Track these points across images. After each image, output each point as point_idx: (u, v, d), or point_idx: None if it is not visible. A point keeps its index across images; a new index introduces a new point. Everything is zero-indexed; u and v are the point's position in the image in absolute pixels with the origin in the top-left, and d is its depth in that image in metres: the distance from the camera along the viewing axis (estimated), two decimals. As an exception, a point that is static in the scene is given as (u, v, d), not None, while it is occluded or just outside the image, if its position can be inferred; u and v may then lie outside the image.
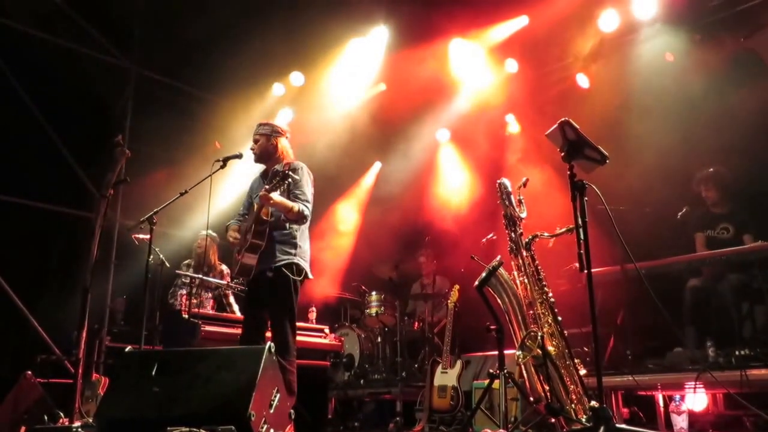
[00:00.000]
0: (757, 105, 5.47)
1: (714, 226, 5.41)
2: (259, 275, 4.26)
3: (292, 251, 4.30)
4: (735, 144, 5.53)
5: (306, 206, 4.27)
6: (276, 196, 4.10)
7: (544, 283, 3.90)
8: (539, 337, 3.68)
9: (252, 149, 4.52)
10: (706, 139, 5.61)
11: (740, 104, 5.53)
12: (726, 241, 5.26)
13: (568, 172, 3.35)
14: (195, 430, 2.87)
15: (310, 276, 4.42)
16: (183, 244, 7.03)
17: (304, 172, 4.42)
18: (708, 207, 5.51)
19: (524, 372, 3.84)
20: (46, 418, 4.42)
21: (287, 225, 4.31)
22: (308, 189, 4.38)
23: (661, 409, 4.95)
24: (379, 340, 7.36)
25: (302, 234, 4.40)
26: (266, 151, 4.47)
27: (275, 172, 4.36)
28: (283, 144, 4.51)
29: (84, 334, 4.33)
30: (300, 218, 4.25)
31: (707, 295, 5.10)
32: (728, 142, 5.54)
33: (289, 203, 4.19)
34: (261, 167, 4.64)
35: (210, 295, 6.22)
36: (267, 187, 4.10)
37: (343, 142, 7.82)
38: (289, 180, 4.09)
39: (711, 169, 5.47)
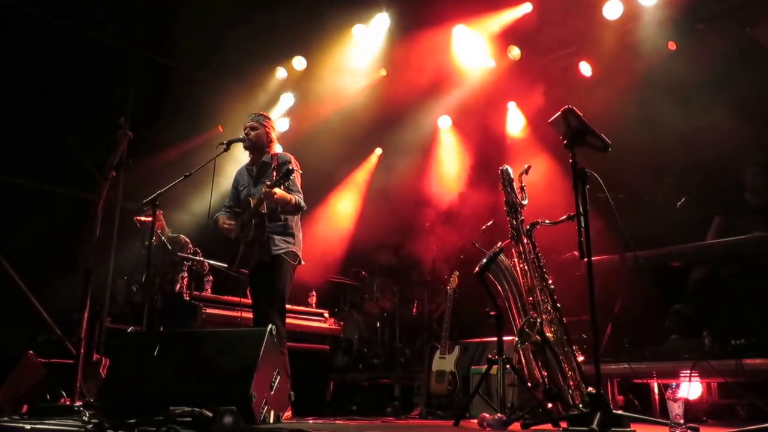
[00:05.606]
0: (758, 95, 5.45)
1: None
2: (258, 264, 4.47)
3: (291, 240, 4.55)
4: (737, 134, 5.51)
5: (301, 198, 4.53)
6: (279, 191, 4.33)
7: (544, 270, 3.92)
8: (538, 324, 3.71)
9: (247, 136, 4.65)
10: (707, 128, 5.58)
11: (743, 94, 5.51)
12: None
13: (570, 160, 3.37)
14: (197, 410, 2.90)
15: (303, 262, 4.67)
16: (186, 227, 7.03)
17: (294, 163, 4.61)
18: (748, 196, 5.28)
19: (522, 358, 3.88)
20: (48, 396, 4.47)
21: (282, 216, 4.53)
22: (298, 180, 4.60)
23: (657, 397, 5.00)
24: (378, 325, 7.41)
25: (296, 224, 4.66)
26: (261, 141, 4.66)
27: (264, 164, 4.63)
28: (273, 136, 4.75)
29: (86, 315, 4.36)
30: (297, 210, 4.54)
31: (709, 285, 5.09)
32: (730, 132, 5.52)
33: (288, 196, 4.44)
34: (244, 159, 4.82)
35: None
36: (269, 183, 4.31)
37: (343, 128, 7.82)
38: (291, 177, 4.32)
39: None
